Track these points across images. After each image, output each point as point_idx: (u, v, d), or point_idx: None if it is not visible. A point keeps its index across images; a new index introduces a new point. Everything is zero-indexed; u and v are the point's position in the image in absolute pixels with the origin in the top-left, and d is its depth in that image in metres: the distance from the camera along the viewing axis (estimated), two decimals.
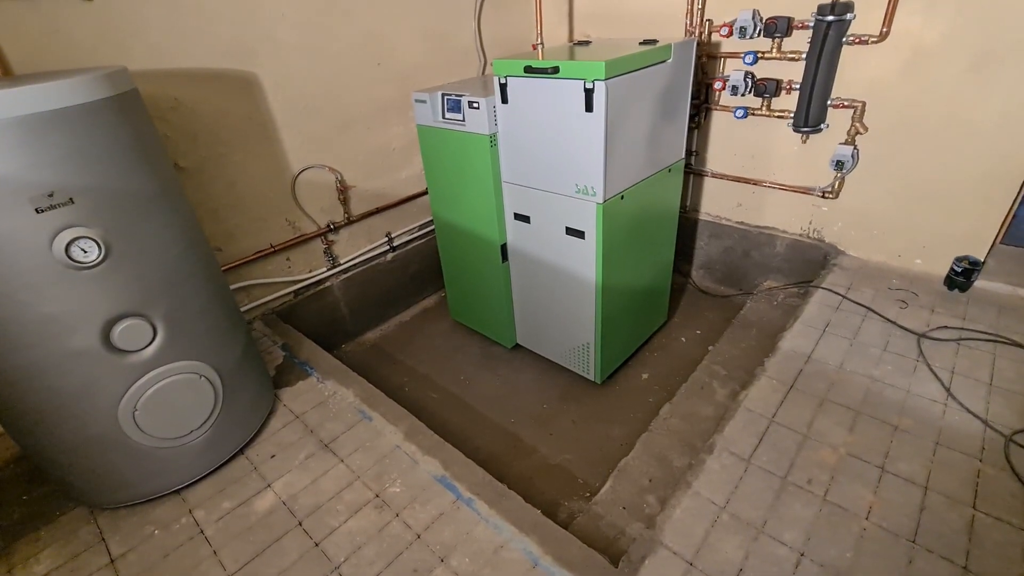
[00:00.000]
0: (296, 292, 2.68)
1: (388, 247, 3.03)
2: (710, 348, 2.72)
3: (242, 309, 2.47)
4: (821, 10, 2.20)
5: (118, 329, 1.36)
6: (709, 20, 2.60)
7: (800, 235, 2.79)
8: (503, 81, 1.98)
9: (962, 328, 2.06)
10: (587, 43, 2.23)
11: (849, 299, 2.30)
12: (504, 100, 2.02)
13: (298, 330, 2.51)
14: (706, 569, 1.32)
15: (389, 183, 2.93)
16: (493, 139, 2.13)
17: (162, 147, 1.54)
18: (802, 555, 1.33)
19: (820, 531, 1.38)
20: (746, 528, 1.41)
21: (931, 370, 1.86)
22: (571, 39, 3.25)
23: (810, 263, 2.79)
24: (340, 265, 2.82)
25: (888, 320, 2.14)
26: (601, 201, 1.91)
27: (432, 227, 3.21)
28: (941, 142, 2.20)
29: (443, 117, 2.27)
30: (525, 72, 1.88)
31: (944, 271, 2.38)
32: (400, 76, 2.75)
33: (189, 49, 2.02)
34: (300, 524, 1.52)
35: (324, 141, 2.55)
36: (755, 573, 1.30)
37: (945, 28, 2.04)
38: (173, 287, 1.47)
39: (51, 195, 1.18)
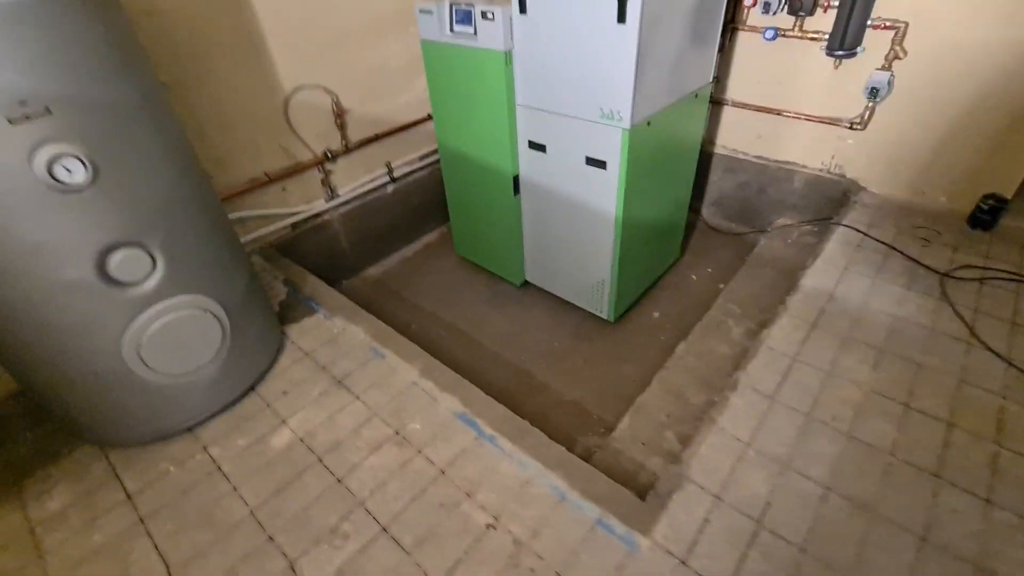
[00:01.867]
0: (294, 225, 2.54)
1: (388, 179, 2.87)
2: (721, 287, 2.68)
3: None
4: None
5: (115, 259, 1.24)
6: None
7: (821, 170, 2.68)
8: None
9: (985, 267, 2.02)
10: None
11: (870, 236, 2.24)
12: (523, 9, 1.82)
13: (298, 265, 2.40)
14: (733, 503, 1.33)
15: (388, 108, 2.72)
16: (508, 56, 1.94)
17: (144, 54, 1.36)
18: (829, 489, 1.34)
19: (845, 466, 1.39)
20: (772, 463, 1.41)
21: (954, 310, 1.84)
22: None
23: (829, 200, 2.70)
24: (339, 197, 2.67)
25: (910, 259, 2.10)
26: (628, 127, 1.77)
27: (435, 157, 3.04)
28: (983, 71, 2.06)
29: (451, 31, 2.05)
30: None
31: (969, 209, 2.32)
32: None
33: None
34: (320, 460, 1.49)
35: (317, 58, 2.32)
36: (782, 506, 1.31)
37: None
38: (170, 214, 1.34)
39: (23, 103, 1.03)
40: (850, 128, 2.46)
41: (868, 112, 2.37)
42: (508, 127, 2.10)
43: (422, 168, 3.03)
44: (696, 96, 2.12)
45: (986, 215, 2.20)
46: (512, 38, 1.91)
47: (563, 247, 2.32)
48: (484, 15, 1.89)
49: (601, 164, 1.93)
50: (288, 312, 2.07)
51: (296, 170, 2.43)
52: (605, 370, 2.27)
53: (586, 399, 2.13)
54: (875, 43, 2.24)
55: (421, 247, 3.18)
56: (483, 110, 2.15)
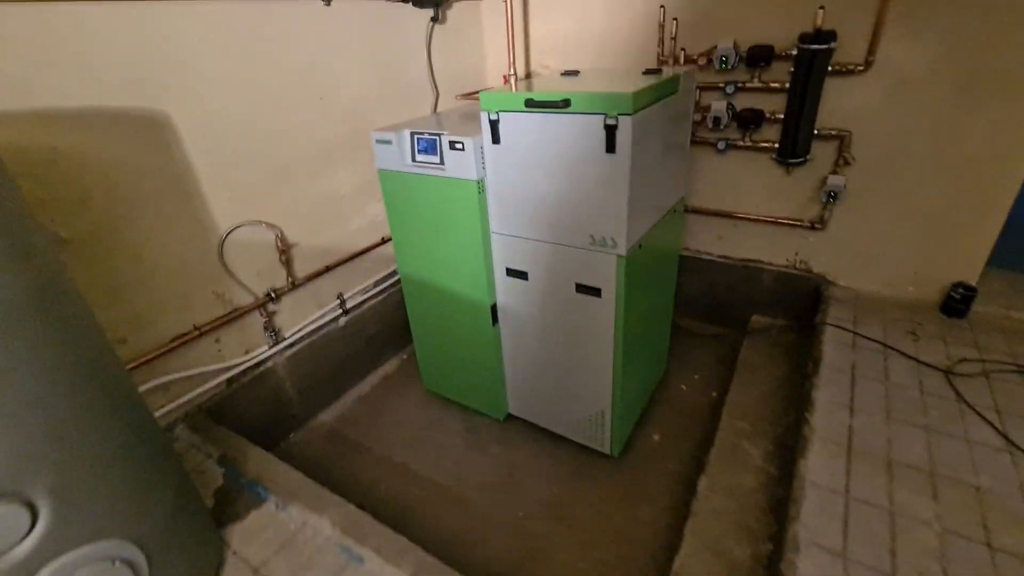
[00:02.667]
0: (230, 380, 2.13)
1: (341, 311, 2.56)
2: (714, 395, 2.52)
3: (158, 413, 1.89)
4: (803, 39, 2.12)
5: None
6: (683, 49, 2.46)
7: (786, 267, 2.70)
8: (494, 117, 1.66)
9: (983, 360, 1.99)
10: (575, 73, 1.97)
11: (861, 335, 2.19)
12: (495, 140, 1.70)
13: (234, 429, 1.97)
14: None
15: (338, 236, 2.48)
16: (480, 185, 1.79)
17: (32, 222, 1.04)
18: None
19: None
20: None
21: (978, 414, 1.74)
22: (528, 70, 3.02)
23: (799, 295, 2.70)
24: (284, 340, 2.31)
25: (910, 357, 2.04)
26: (623, 252, 1.63)
27: (391, 281, 2.79)
28: (928, 170, 2.18)
29: (413, 160, 1.90)
30: (526, 106, 1.57)
31: (935, 297, 2.36)
32: (346, 112, 2.35)
33: (70, 83, 1.50)
34: None
35: (258, 193, 2.07)
36: None
37: (929, 56, 2.02)
38: (62, 439, 0.95)
39: None
40: (811, 228, 2.50)
41: (827, 213, 2.43)
42: (483, 256, 1.91)
43: (377, 294, 2.75)
44: (675, 210, 2.06)
45: (960, 304, 2.22)
46: (484, 166, 1.77)
47: (553, 377, 2.07)
48: (453, 145, 1.75)
49: (595, 291, 1.75)
50: (227, 506, 1.62)
51: (233, 317, 2.07)
52: (619, 518, 1.95)
53: (607, 563, 1.78)
54: (822, 151, 2.34)
55: (379, 380, 2.81)
56: (453, 238, 1.95)
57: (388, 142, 1.90)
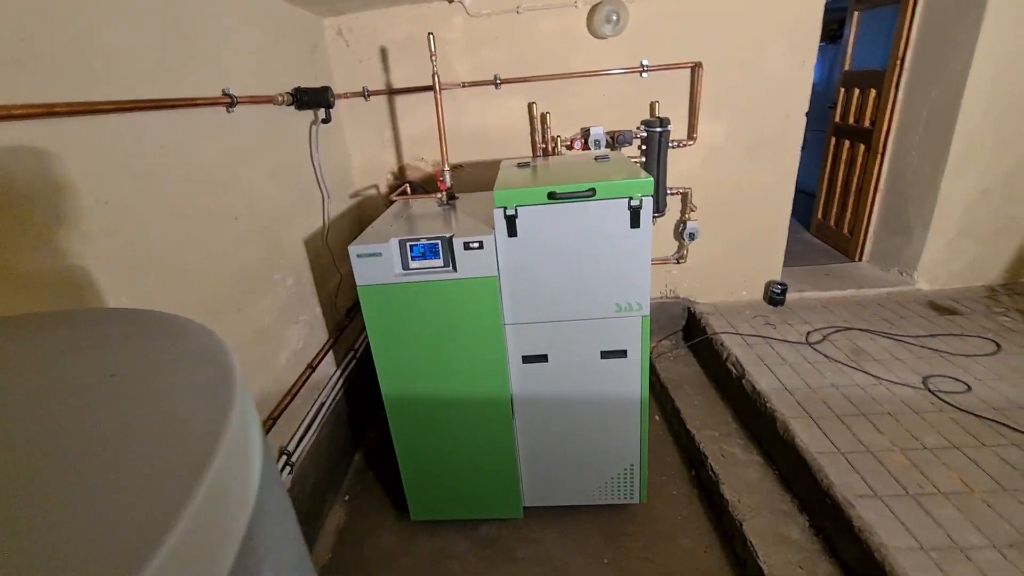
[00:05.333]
0: None
1: (288, 469, 2.03)
2: (657, 418, 2.88)
3: None
4: (648, 124, 2.76)
5: None
6: (556, 136, 2.88)
7: (661, 297, 3.31)
8: (511, 212, 1.69)
9: (815, 329, 2.85)
10: (527, 164, 2.13)
11: (742, 335, 2.87)
12: (512, 233, 1.72)
13: None
14: None
15: (271, 379, 2.00)
16: (496, 281, 1.77)
17: None
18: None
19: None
20: None
21: (848, 365, 2.51)
22: (400, 163, 3.02)
23: (673, 317, 3.34)
24: None
25: (783, 340, 2.77)
26: (647, 312, 1.83)
27: (321, 416, 2.34)
28: (738, 208, 3.05)
29: (405, 268, 1.75)
30: (549, 199, 1.66)
31: (758, 296, 3.26)
32: (260, 229, 1.97)
33: None
34: None
35: None
36: None
37: (725, 130, 2.88)
38: None
39: None
40: (676, 263, 3.17)
41: (686, 250, 3.12)
42: (500, 350, 1.85)
43: (313, 434, 2.27)
44: None
45: (780, 295, 3.13)
46: (498, 261, 1.76)
47: (575, 450, 2.09)
48: (469, 245, 1.69)
49: (621, 354, 1.90)
50: None
51: None
52: (668, 557, 2.06)
53: None
54: (675, 204, 3.03)
55: (333, 538, 2.28)
56: (463, 341, 1.84)
57: (377, 255, 1.70)
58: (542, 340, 1.89)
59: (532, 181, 1.80)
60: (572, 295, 1.82)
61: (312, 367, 2.28)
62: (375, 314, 1.81)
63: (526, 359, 1.92)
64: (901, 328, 2.79)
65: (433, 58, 1.98)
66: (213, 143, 1.71)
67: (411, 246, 1.73)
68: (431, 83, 2.08)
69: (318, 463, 2.28)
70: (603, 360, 1.91)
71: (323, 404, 2.36)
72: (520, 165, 2.14)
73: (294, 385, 2.14)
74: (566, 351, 1.91)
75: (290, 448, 2.05)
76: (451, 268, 1.73)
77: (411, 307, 1.79)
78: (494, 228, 1.72)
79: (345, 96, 2.83)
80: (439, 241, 1.71)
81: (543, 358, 1.92)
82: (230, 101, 1.76)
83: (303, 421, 2.21)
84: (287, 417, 2.07)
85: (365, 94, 2.83)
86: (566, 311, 1.84)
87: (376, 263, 1.72)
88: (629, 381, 1.94)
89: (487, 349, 1.85)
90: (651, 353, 3.21)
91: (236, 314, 1.79)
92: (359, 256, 1.71)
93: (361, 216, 3.03)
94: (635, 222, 1.69)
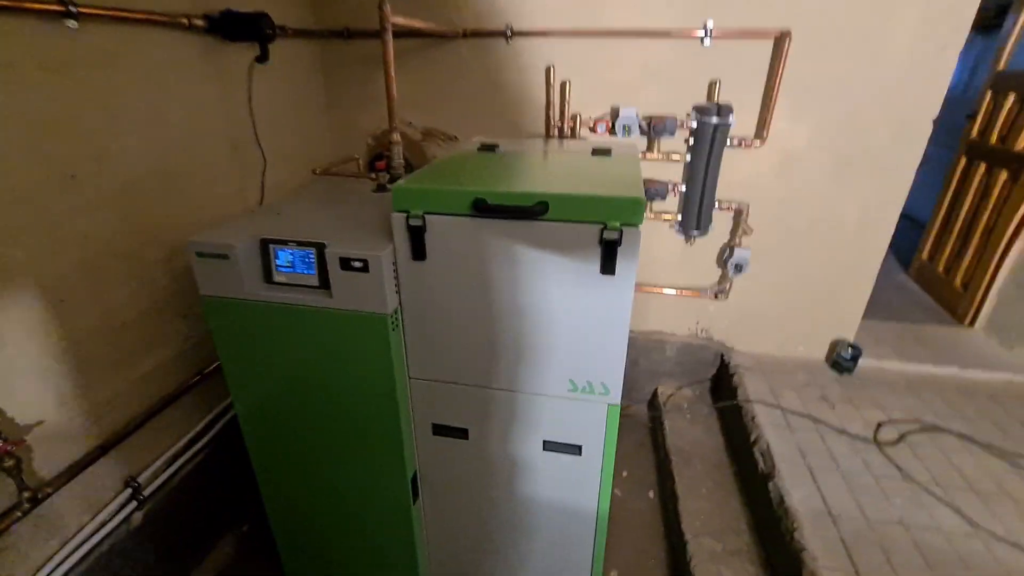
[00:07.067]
0: None
1: (134, 503, 1.58)
2: (651, 495, 2.24)
3: None
4: (702, 111, 2.02)
5: None
6: (576, 114, 2.19)
7: (689, 336, 2.59)
8: (416, 223, 1.08)
9: (891, 421, 2.06)
10: (493, 148, 1.50)
11: (784, 409, 2.12)
12: (418, 255, 1.11)
13: None
14: None
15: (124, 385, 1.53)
16: (395, 318, 1.18)
17: None
18: None
19: None
20: None
21: (930, 493, 1.73)
22: (381, 128, 2.45)
23: (701, 363, 2.61)
24: None
25: (840, 431, 2.01)
26: (616, 401, 1.19)
27: (201, 439, 1.87)
28: (812, 238, 2.25)
29: (268, 281, 1.19)
30: (474, 210, 1.03)
31: (820, 355, 2.47)
32: (116, 194, 1.47)
33: None
34: None
35: None
36: None
37: (810, 132, 2.08)
38: None
39: None
40: (714, 298, 2.43)
41: (728, 283, 2.37)
42: (398, 412, 1.28)
43: (193, 456, 1.81)
44: None
45: (850, 362, 2.33)
46: (399, 291, 1.17)
47: (505, 559, 1.51)
48: (349, 263, 1.10)
49: (572, 449, 1.27)
50: None
51: None
52: None
53: None
54: (720, 221, 2.28)
55: None
56: (343, 394, 1.28)
57: (224, 256, 1.15)
58: (461, 408, 1.30)
59: (475, 177, 1.18)
60: (507, 355, 1.20)
61: (204, 375, 1.80)
62: (227, 339, 1.27)
63: (438, 430, 1.34)
64: (1022, 443, 1.95)
65: None
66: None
67: (276, 250, 1.16)
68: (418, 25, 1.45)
69: (192, 499, 1.83)
70: (547, 453, 1.29)
71: (216, 421, 1.89)
72: (484, 147, 1.51)
73: (168, 397, 1.67)
74: (495, 430, 1.30)
75: (141, 477, 1.60)
76: (327, 291, 1.16)
77: (274, 337, 1.24)
78: (392, 241, 1.12)
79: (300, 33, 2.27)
80: (311, 251, 1.14)
81: (462, 433, 1.33)
82: (66, 11, 1.24)
83: (175, 449, 1.74)
84: (144, 440, 1.61)
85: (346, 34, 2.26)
86: (497, 376, 1.23)
87: (221, 268, 1.17)
88: (583, 487, 1.31)
89: (377, 410, 1.28)
90: (663, 403, 2.54)
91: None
92: (199, 255, 1.17)
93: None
94: (608, 265, 1.04)
